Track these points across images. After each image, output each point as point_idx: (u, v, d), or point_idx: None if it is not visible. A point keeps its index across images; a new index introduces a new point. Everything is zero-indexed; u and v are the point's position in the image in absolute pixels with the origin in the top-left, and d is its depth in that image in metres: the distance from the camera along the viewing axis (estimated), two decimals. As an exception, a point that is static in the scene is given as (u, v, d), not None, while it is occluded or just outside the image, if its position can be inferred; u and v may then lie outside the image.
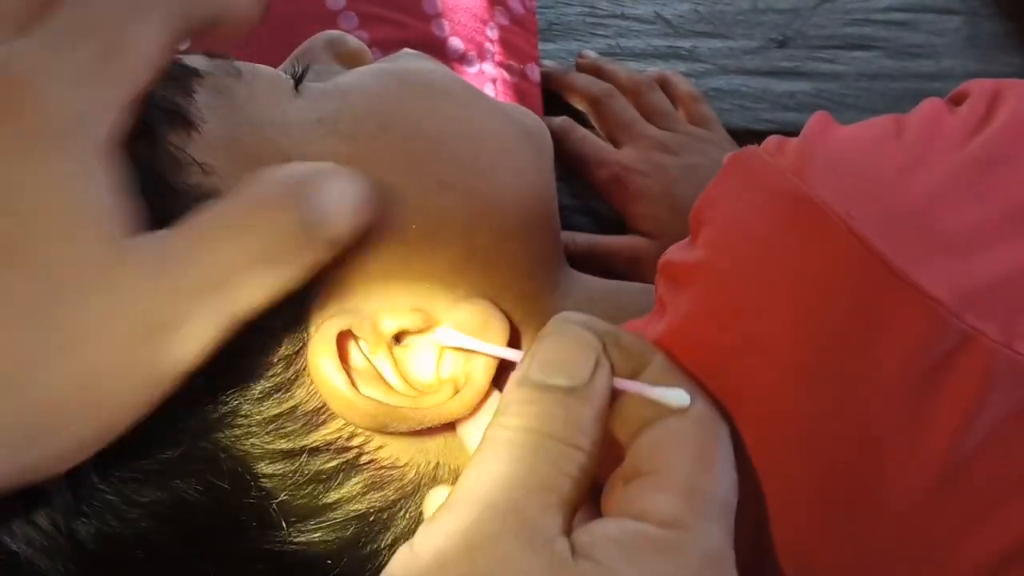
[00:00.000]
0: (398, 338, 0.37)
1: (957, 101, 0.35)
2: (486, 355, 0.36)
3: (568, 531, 0.29)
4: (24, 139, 0.28)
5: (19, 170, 0.28)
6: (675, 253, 0.35)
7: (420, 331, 0.37)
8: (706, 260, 0.32)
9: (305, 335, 0.35)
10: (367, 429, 0.36)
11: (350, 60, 0.45)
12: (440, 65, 0.46)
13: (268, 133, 0.37)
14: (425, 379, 0.37)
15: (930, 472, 0.29)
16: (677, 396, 0.31)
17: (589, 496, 0.31)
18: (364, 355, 0.36)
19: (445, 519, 0.29)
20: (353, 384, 0.35)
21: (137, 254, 0.29)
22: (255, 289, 0.30)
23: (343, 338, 0.35)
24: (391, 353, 0.36)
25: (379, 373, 0.36)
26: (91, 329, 0.28)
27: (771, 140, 0.33)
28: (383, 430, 0.36)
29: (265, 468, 0.35)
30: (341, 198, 0.32)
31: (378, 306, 0.36)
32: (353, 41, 0.46)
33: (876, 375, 0.29)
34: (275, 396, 0.35)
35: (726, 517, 0.30)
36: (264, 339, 0.34)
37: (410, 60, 0.46)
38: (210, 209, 0.30)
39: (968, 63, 0.72)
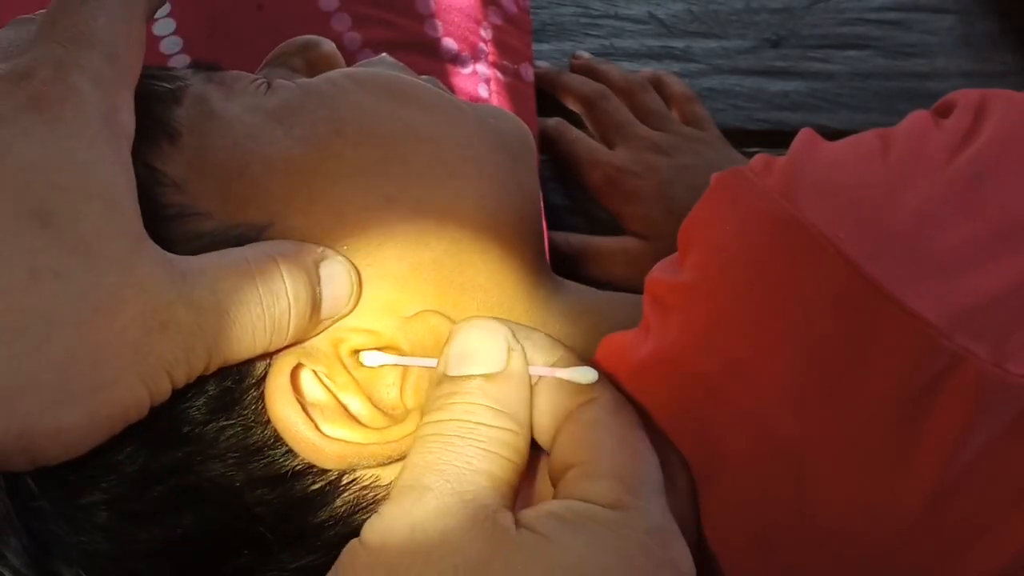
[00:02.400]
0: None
1: (943, 112, 0.35)
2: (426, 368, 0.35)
3: (510, 508, 0.30)
4: (70, 124, 0.30)
5: (66, 147, 0.30)
6: (662, 272, 0.35)
7: (376, 349, 0.36)
8: (694, 283, 0.33)
9: (265, 364, 0.35)
10: (337, 470, 0.36)
11: (323, 65, 0.44)
12: (410, 76, 0.44)
13: (232, 141, 0.37)
14: (393, 401, 0.36)
15: (923, 493, 0.30)
16: (585, 373, 0.33)
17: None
18: (324, 385, 0.35)
19: (384, 509, 0.31)
20: (317, 427, 0.34)
21: (155, 251, 0.31)
22: (251, 343, 0.33)
23: (296, 370, 0.35)
24: (352, 377, 0.35)
25: (341, 405, 0.35)
26: (109, 302, 0.29)
27: (758, 159, 0.33)
28: (355, 469, 0.36)
29: (251, 495, 0.35)
30: (347, 286, 0.35)
31: (326, 331, 0.35)
32: (327, 46, 0.45)
33: (866, 398, 0.29)
34: (248, 428, 0.35)
35: (660, 495, 0.31)
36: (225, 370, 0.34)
37: (381, 67, 0.45)
38: (230, 254, 0.33)
39: (962, 62, 0.72)
